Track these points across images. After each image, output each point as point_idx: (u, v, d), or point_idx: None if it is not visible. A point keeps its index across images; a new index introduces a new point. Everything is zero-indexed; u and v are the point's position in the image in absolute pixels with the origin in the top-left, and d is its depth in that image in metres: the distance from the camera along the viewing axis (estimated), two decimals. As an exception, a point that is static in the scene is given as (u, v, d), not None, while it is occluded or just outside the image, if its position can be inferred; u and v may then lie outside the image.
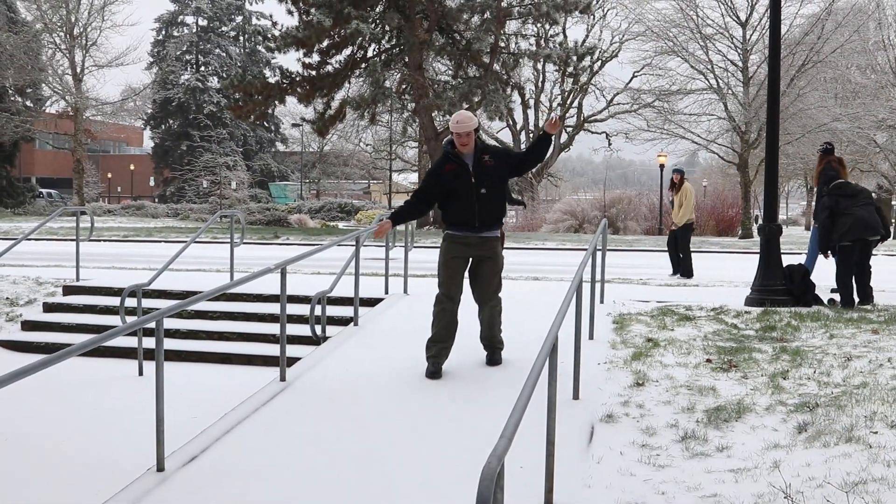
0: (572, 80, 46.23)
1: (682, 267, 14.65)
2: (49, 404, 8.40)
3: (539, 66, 46.55)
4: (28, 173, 66.21)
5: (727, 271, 16.35)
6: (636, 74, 42.70)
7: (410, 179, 61.79)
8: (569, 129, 50.52)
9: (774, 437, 5.62)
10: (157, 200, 62.21)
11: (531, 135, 50.89)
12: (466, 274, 7.56)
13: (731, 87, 33.65)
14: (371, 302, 10.73)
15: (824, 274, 11.77)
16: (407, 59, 31.20)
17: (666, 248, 15.19)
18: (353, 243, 9.89)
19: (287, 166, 70.79)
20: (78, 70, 43.52)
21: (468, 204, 7.25)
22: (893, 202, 40.40)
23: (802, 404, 6.15)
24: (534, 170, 48.69)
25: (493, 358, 7.72)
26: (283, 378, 7.56)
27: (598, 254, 10.27)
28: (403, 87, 32.84)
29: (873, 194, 11.12)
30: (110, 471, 6.22)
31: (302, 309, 10.28)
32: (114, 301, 11.33)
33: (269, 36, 32.50)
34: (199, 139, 59.63)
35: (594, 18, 44.65)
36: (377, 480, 5.33)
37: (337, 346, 8.74)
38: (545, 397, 4.83)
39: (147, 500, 5.17)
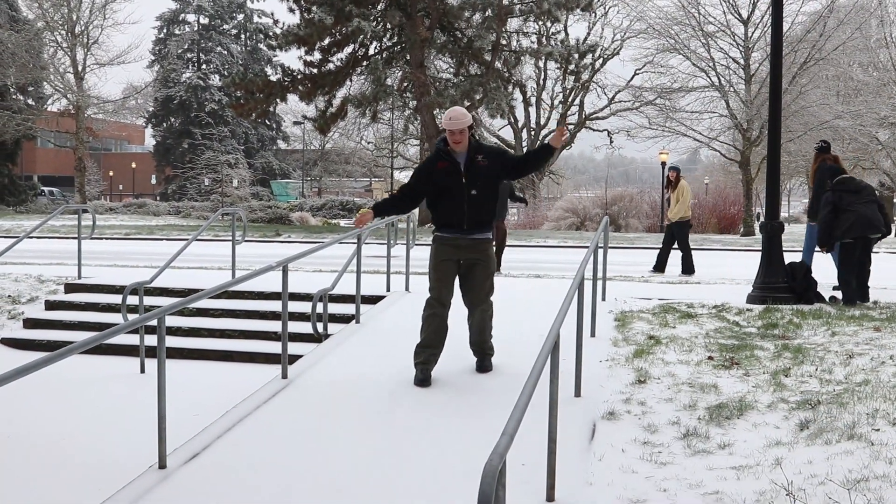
0: (574, 77, 46.25)
1: (683, 263, 14.68)
2: (51, 402, 8.41)
3: (541, 63, 46.56)
4: (30, 171, 66.31)
5: (729, 269, 16.35)
6: (638, 72, 42.68)
7: (412, 177, 61.64)
8: (570, 127, 50.50)
9: (776, 435, 5.62)
10: (158, 198, 62.27)
11: (533, 133, 50.88)
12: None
13: (733, 85, 33.61)
14: (373, 299, 10.73)
15: (826, 271, 11.77)
16: (408, 57, 31.21)
17: (657, 246, 15.18)
18: (355, 241, 9.89)
19: (288, 164, 70.86)
20: (79, 68, 43.54)
21: (458, 205, 6.98)
22: None
23: (804, 402, 6.15)
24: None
25: (483, 364, 7.44)
26: (284, 376, 7.56)
27: (600, 251, 10.27)
28: (405, 84, 32.85)
29: (876, 192, 11.10)
30: (112, 468, 6.22)
31: (304, 307, 10.29)
32: (115, 299, 11.34)
33: (271, 34, 32.53)
34: (200, 137, 59.73)
35: (596, 16, 44.67)
36: (379, 478, 5.33)
37: (339, 343, 8.74)
38: (547, 395, 4.83)
39: (149, 498, 5.17)
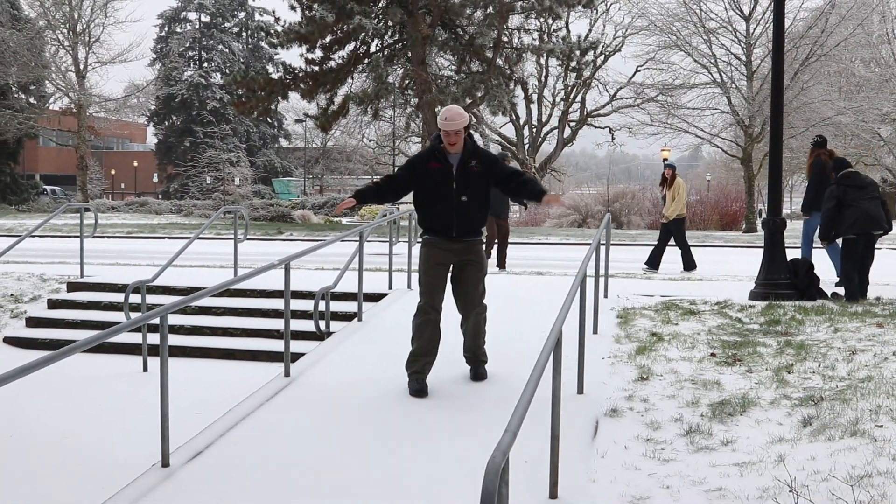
0: (575, 74, 46.11)
1: (683, 260, 14.69)
2: (54, 401, 8.42)
3: (542, 60, 46.45)
4: (32, 170, 66.37)
5: (731, 265, 16.34)
6: (639, 69, 42.62)
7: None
8: (572, 124, 50.47)
9: (779, 431, 5.62)
10: (160, 197, 62.30)
11: (534, 129, 50.85)
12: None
13: (735, 81, 33.57)
14: (375, 297, 10.74)
15: (828, 268, 11.77)
16: (410, 55, 31.18)
17: (656, 243, 15.15)
18: (357, 239, 9.89)
19: (290, 162, 70.89)
20: (81, 67, 43.51)
21: (447, 210, 6.70)
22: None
23: (807, 398, 6.15)
24: (536, 165, 48.91)
25: (478, 372, 7.15)
26: (287, 374, 7.56)
27: (602, 248, 10.27)
28: (406, 82, 32.82)
29: (879, 188, 11.08)
30: (115, 467, 6.23)
31: (306, 304, 10.29)
32: (118, 297, 11.35)
33: (272, 32, 32.46)
34: (202, 135, 59.78)
35: (597, 13, 44.56)
36: (383, 475, 5.33)
37: (341, 341, 8.75)
38: (549, 392, 4.83)
39: (152, 496, 5.18)
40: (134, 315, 10.16)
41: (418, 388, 6.76)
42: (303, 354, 8.34)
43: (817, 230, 11.73)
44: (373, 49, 31.72)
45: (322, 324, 9.01)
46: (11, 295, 12.44)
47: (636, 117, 39.62)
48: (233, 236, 13.75)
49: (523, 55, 33.82)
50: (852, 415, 5.61)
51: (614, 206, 34.08)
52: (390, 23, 30.80)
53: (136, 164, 75.72)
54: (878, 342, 7.64)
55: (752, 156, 33.28)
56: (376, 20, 30.09)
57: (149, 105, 65.10)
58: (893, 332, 8.06)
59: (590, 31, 46.61)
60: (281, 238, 25.50)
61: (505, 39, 31.46)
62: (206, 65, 66.95)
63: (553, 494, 4.84)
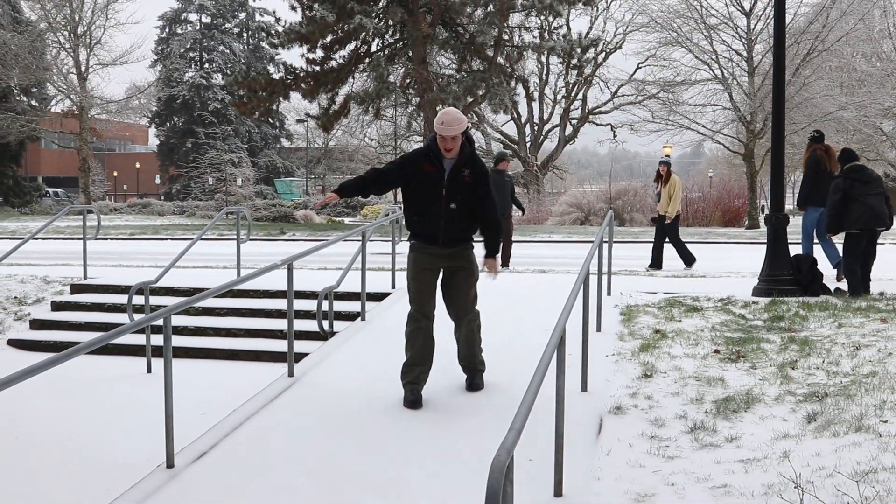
0: (576, 72, 46.08)
1: (682, 257, 14.69)
2: (58, 402, 8.42)
3: (543, 58, 46.45)
4: (34, 172, 66.43)
5: (734, 262, 16.33)
6: (640, 66, 42.63)
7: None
8: (574, 122, 50.47)
9: (784, 427, 5.61)
10: (162, 198, 62.35)
11: (536, 128, 50.84)
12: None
13: (736, 77, 33.52)
14: (378, 297, 10.73)
15: (825, 263, 11.76)
16: (411, 54, 31.19)
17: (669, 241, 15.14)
18: (359, 238, 9.89)
19: (292, 162, 70.93)
20: (82, 69, 43.57)
21: (435, 216, 6.43)
22: (900, 190, 40.30)
23: (811, 394, 6.14)
24: (539, 163, 48.88)
25: (474, 381, 6.87)
26: (291, 374, 7.56)
27: (605, 246, 10.26)
28: (407, 81, 32.82)
29: (884, 183, 11.06)
30: (120, 468, 6.23)
31: (309, 304, 10.29)
32: (121, 299, 11.35)
33: (273, 32, 32.53)
34: (204, 136, 59.79)
35: (597, 10, 44.56)
36: (387, 475, 5.33)
37: (344, 341, 8.75)
38: (553, 390, 4.83)
39: (157, 497, 5.18)
40: (137, 316, 10.16)
41: (413, 400, 6.52)
42: (306, 354, 8.34)
43: (815, 224, 11.74)
44: (374, 48, 31.73)
45: (325, 324, 9.00)
46: (15, 297, 12.45)
47: (638, 114, 39.64)
48: (235, 237, 13.75)
49: (524, 53, 33.82)
50: (857, 410, 5.61)
51: (616, 204, 34.02)
52: (391, 22, 30.80)
53: (138, 165, 75.77)
54: (882, 337, 7.63)
55: (755, 152, 33.25)
56: (377, 19, 30.09)
57: (150, 106, 65.09)
58: (897, 327, 8.05)
59: (590, 28, 46.66)
60: (283, 238, 25.51)
61: (506, 37, 31.44)
62: (207, 66, 66.97)
63: (558, 492, 4.84)
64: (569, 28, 42.16)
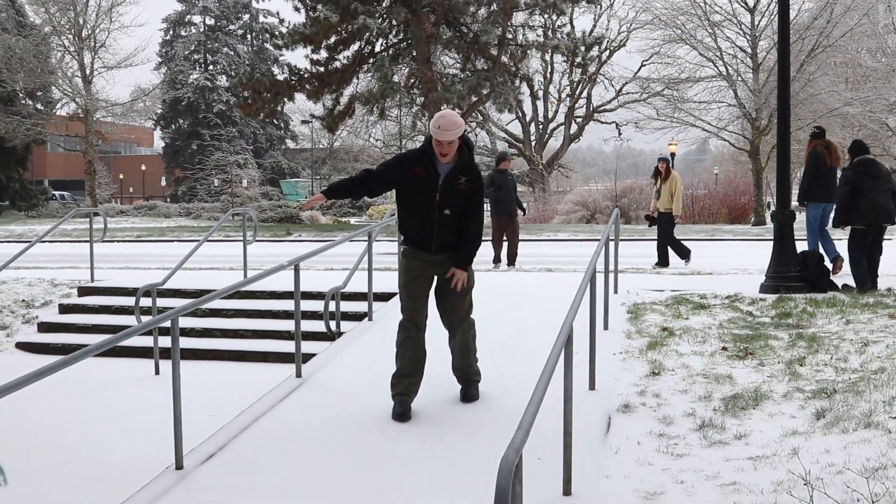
0: (581, 70, 46.07)
1: (678, 252, 14.72)
2: (67, 405, 8.44)
3: (547, 57, 46.43)
4: (40, 176, 66.53)
5: (741, 259, 16.30)
6: (645, 63, 42.55)
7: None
8: (578, 120, 50.43)
9: (792, 424, 5.60)
10: (168, 200, 62.43)
11: (541, 126, 50.82)
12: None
13: (741, 74, 33.46)
14: (384, 297, 10.73)
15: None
16: (415, 54, 31.17)
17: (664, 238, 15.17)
18: (366, 238, 9.90)
19: (297, 163, 70.94)
20: (87, 72, 43.60)
21: (427, 222, 6.15)
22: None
23: (820, 391, 6.13)
24: (544, 161, 48.86)
25: (469, 392, 6.60)
26: (298, 374, 7.57)
27: (611, 244, 10.25)
28: (412, 81, 32.81)
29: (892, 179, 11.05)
30: (129, 470, 6.25)
31: (316, 305, 10.30)
32: (129, 301, 11.37)
33: (277, 33, 32.55)
34: (209, 138, 59.83)
35: (601, 8, 44.46)
36: (395, 476, 5.33)
37: (351, 341, 8.76)
38: (561, 388, 4.82)
39: (167, 498, 5.19)
40: (145, 318, 10.18)
41: (401, 412, 6.23)
42: (314, 355, 8.35)
43: (818, 219, 11.74)
44: (377, 49, 31.72)
45: (332, 324, 9.01)
46: (23, 300, 12.48)
47: (642, 112, 39.57)
48: (242, 238, 13.77)
49: (528, 52, 33.77)
50: (866, 407, 5.60)
51: (622, 202, 33.97)
52: (394, 22, 30.79)
53: (143, 167, 75.84)
54: (890, 333, 7.61)
55: (760, 148, 33.19)
56: (380, 20, 30.08)
57: (155, 109, 65.15)
58: (905, 322, 8.03)
59: (594, 26, 46.57)
60: (290, 239, 25.54)
61: (509, 36, 31.41)
62: (211, 68, 67.02)
63: (567, 491, 4.84)
64: (573, 26, 42.16)
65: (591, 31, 43.03)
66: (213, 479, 5.45)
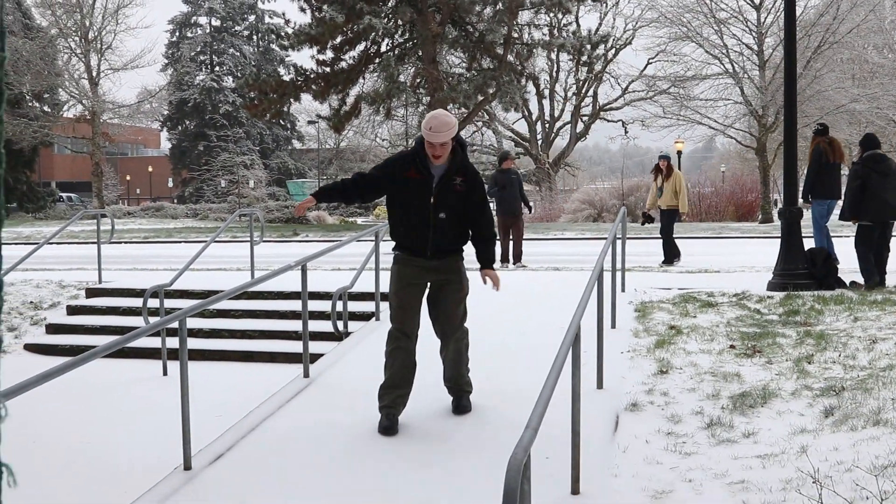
0: (587, 68, 46.09)
1: (668, 252, 14.74)
2: (75, 406, 8.46)
3: (553, 55, 46.32)
4: (48, 178, 66.75)
5: (748, 256, 16.27)
6: (651, 61, 42.48)
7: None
8: (585, 119, 50.38)
9: (801, 422, 5.59)
10: (175, 201, 62.54)
11: (547, 125, 50.79)
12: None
13: (747, 71, 33.39)
14: (392, 296, 10.73)
15: (846, 257, 11.70)
16: (420, 53, 31.18)
17: (676, 236, 15.17)
18: (373, 238, 9.90)
19: (304, 163, 70.98)
20: (94, 74, 43.72)
21: (422, 227, 5.91)
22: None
23: (828, 388, 6.12)
24: (550, 160, 48.83)
25: (461, 404, 6.33)
26: (306, 374, 7.58)
27: (618, 242, 10.25)
28: (418, 80, 32.82)
29: None
30: (138, 470, 6.26)
31: (323, 305, 10.31)
32: (136, 302, 11.39)
33: (283, 34, 32.53)
34: (215, 139, 59.88)
35: (607, 6, 44.46)
36: (403, 475, 5.33)
37: (359, 341, 8.76)
38: (569, 387, 4.82)
39: (175, 499, 5.20)
40: (153, 319, 10.18)
41: (387, 426, 5.98)
42: (321, 355, 8.35)
43: (823, 216, 11.73)
44: (383, 48, 31.74)
45: (340, 324, 9.02)
46: (31, 302, 12.51)
47: (649, 110, 39.50)
48: (249, 239, 13.78)
49: (534, 51, 33.76)
50: (874, 404, 5.58)
51: (629, 200, 33.93)
52: (400, 22, 30.81)
53: (150, 169, 76.01)
54: (898, 330, 7.59)
55: (767, 146, 33.12)
56: (386, 20, 30.11)
57: (162, 110, 65.24)
58: (914, 319, 8.01)
59: (600, 24, 46.48)
60: (297, 239, 25.56)
61: (515, 35, 31.40)
62: (217, 69, 67.10)
63: (575, 490, 4.84)
64: (578, 25, 42.07)
65: (597, 29, 42.91)
66: (222, 479, 5.45)
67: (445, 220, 5.92)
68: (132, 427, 7.72)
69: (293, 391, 7.16)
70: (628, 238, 11.90)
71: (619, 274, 10.10)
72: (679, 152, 39.78)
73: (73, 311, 12.22)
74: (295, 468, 5.51)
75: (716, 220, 33.30)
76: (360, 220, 41.78)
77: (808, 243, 11.02)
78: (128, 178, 76.10)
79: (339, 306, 9.01)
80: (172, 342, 9.62)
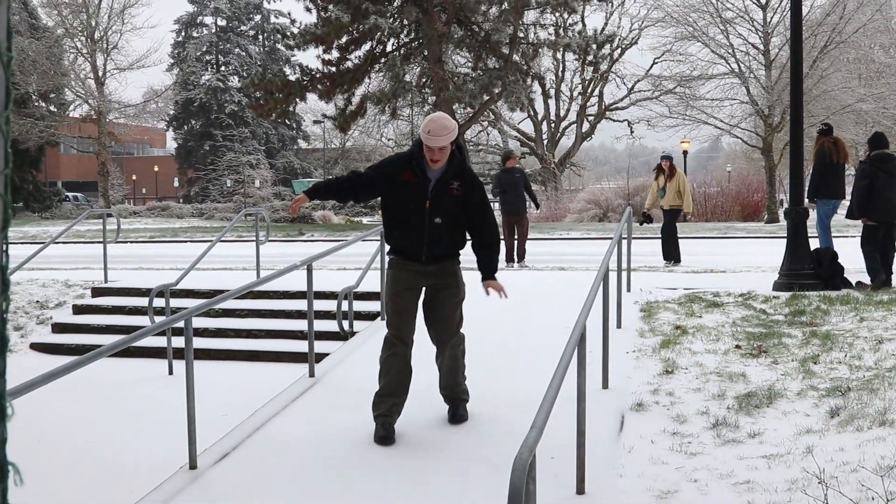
0: (592, 68, 45.97)
1: (667, 249, 14.73)
2: (81, 405, 8.47)
3: (559, 55, 46.35)
4: (54, 177, 66.86)
5: (754, 256, 16.25)
6: (656, 61, 42.46)
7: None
8: (590, 118, 50.35)
9: (806, 423, 5.58)
10: (181, 201, 62.59)
11: (553, 125, 50.76)
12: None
13: (753, 71, 33.33)
14: (397, 296, 10.73)
15: (853, 258, 11.68)
16: (426, 53, 31.18)
17: (681, 236, 15.17)
18: (378, 238, 9.91)
19: (310, 163, 71.03)
20: (100, 74, 43.79)
21: (417, 231, 5.75)
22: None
23: (834, 388, 6.10)
24: (556, 160, 48.80)
25: (457, 413, 6.15)
26: (311, 374, 7.59)
27: (624, 242, 10.24)
28: (423, 80, 32.83)
29: None
30: (143, 469, 6.27)
31: (329, 305, 10.31)
32: (142, 301, 11.41)
33: (288, 34, 32.56)
34: (221, 139, 59.97)
35: (613, 6, 44.36)
36: (409, 473, 5.33)
37: (364, 340, 8.76)
38: (574, 387, 4.82)
39: (180, 498, 5.21)
40: (158, 319, 10.21)
41: (384, 436, 5.81)
42: (327, 355, 8.36)
43: (829, 216, 11.73)
44: (389, 48, 31.75)
45: (345, 324, 9.03)
46: (37, 301, 12.54)
47: (654, 110, 39.49)
48: (254, 238, 13.80)
49: (540, 50, 33.73)
50: (880, 405, 5.57)
51: (635, 200, 33.86)
52: (406, 22, 30.81)
53: (156, 168, 76.10)
54: (904, 330, 7.57)
55: (773, 145, 33.06)
56: (392, 19, 30.10)
57: (168, 110, 65.34)
58: (920, 319, 7.99)
59: (605, 24, 46.49)
60: (302, 239, 25.57)
61: (521, 35, 31.38)
62: (223, 68, 67.15)
63: (580, 490, 4.84)
64: (584, 24, 41.99)
65: (603, 28, 42.96)
66: (227, 478, 5.46)
67: (441, 224, 5.76)
68: (138, 426, 7.74)
69: (299, 391, 7.17)
70: (634, 238, 11.89)
71: (624, 274, 10.10)
72: (685, 152, 39.74)
73: (78, 310, 12.24)
74: (300, 468, 5.51)
75: (721, 219, 33.25)
76: (365, 220, 41.82)
77: (813, 243, 11.00)
78: (133, 177, 76.20)
79: (345, 306, 9.02)
80: (178, 341, 9.63)
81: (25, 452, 6.81)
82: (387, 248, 6.11)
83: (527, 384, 6.53)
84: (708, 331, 8.19)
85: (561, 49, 35.34)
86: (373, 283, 10.12)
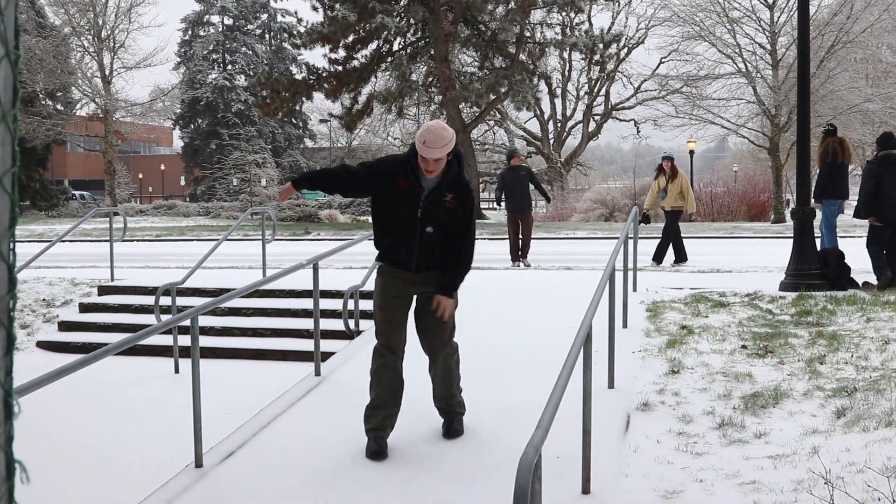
0: (599, 68, 46.01)
1: (663, 249, 14.72)
2: (87, 403, 8.49)
3: (565, 54, 46.27)
4: (60, 176, 66.96)
5: (760, 256, 16.22)
6: (663, 60, 42.37)
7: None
8: (597, 118, 50.30)
9: (813, 423, 5.57)
10: (188, 199, 62.68)
11: (559, 124, 50.73)
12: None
13: (760, 71, 33.29)
14: (403, 295, 10.73)
15: (860, 258, 11.66)
16: (433, 52, 31.20)
17: (685, 236, 15.16)
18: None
19: (316, 162, 71.02)
20: (107, 72, 43.89)
21: (407, 240, 5.53)
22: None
23: (840, 389, 6.09)
24: (562, 159, 48.77)
25: (452, 427, 5.90)
26: (317, 373, 7.59)
27: (630, 242, 10.23)
28: (430, 79, 32.85)
29: None
30: (149, 468, 6.28)
31: (335, 304, 10.31)
32: (148, 300, 11.42)
33: (295, 33, 32.58)
34: (227, 137, 60.04)
35: (619, 5, 44.36)
36: (414, 472, 5.33)
37: (370, 339, 8.70)
38: (580, 386, 4.82)
39: (186, 497, 5.22)
40: (165, 317, 10.21)
41: (376, 450, 5.58)
42: (333, 353, 8.37)
43: (835, 216, 11.72)
44: (395, 47, 31.77)
45: (351, 322, 9.03)
46: (43, 300, 12.56)
47: (661, 109, 39.46)
48: (260, 237, 13.80)
49: (546, 50, 33.72)
50: (887, 405, 5.56)
51: (641, 200, 33.81)
52: (412, 21, 30.83)
53: (163, 167, 76.25)
54: (911, 331, 7.56)
55: (779, 145, 33.03)
56: (398, 18, 30.13)
57: (174, 109, 65.39)
58: (927, 320, 7.97)
59: (612, 23, 46.41)
60: (308, 238, 25.59)
61: (527, 34, 31.38)
62: (230, 67, 67.24)
63: (586, 490, 4.84)
64: (591, 24, 42.00)
65: (610, 28, 42.90)
66: (233, 477, 5.47)
67: (433, 234, 5.52)
68: (144, 424, 7.75)
69: (304, 389, 7.18)
70: (640, 238, 11.88)
71: (630, 273, 10.09)
72: (691, 152, 39.67)
73: (85, 308, 12.26)
74: (306, 467, 5.52)
75: (728, 219, 33.21)
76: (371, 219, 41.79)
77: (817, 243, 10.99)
78: (140, 176, 76.35)
79: (351, 305, 9.02)
80: (184, 340, 9.65)
81: (32, 450, 6.83)
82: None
83: (528, 387, 6.53)
84: (714, 331, 8.17)
85: (567, 48, 35.35)
86: (379, 282, 10.11)
